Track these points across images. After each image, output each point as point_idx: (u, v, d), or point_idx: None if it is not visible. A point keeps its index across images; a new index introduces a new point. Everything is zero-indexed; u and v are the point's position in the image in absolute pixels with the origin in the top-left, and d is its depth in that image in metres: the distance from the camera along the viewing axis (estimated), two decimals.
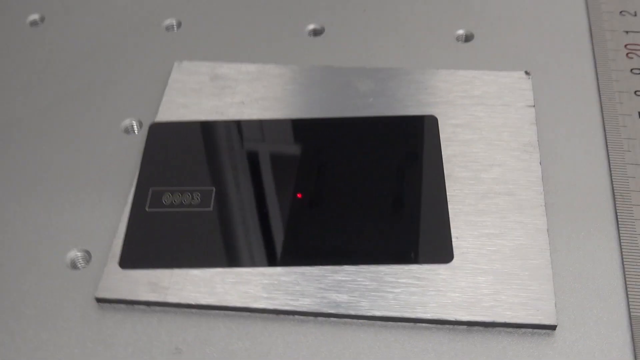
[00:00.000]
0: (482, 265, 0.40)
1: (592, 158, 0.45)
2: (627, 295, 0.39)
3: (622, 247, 0.41)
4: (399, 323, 0.39)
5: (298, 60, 0.52)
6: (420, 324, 0.39)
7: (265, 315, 0.39)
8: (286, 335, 0.39)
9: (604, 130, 0.46)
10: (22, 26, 0.57)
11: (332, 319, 0.39)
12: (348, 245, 0.41)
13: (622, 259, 0.41)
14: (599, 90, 0.49)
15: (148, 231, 0.43)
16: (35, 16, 0.58)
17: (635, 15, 0.53)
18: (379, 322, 0.39)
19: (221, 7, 0.57)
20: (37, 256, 0.43)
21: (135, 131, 0.49)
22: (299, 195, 0.44)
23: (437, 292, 0.39)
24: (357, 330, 0.39)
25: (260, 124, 0.48)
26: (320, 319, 0.39)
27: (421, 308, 0.39)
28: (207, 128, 0.48)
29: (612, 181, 0.44)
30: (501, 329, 0.38)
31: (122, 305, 0.40)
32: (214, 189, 0.44)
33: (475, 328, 0.38)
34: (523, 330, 0.38)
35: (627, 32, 0.52)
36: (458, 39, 0.53)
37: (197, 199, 0.44)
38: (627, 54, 0.50)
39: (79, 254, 0.43)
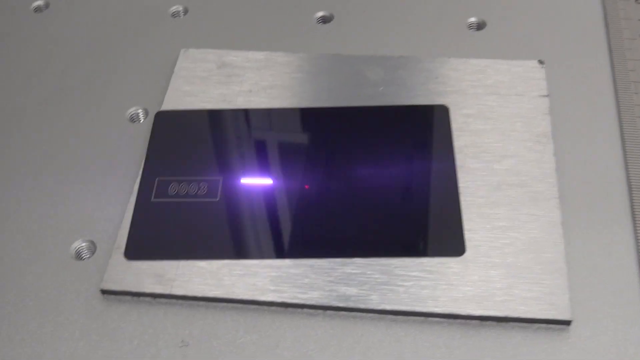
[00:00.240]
0: (494, 258, 0.39)
1: (607, 149, 0.44)
2: None
3: (638, 240, 0.40)
4: (410, 317, 0.38)
5: (307, 48, 0.52)
6: (432, 319, 0.38)
7: (273, 308, 0.39)
8: (294, 328, 0.38)
9: (620, 121, 0.45)
10: (26, 12, 0.57)
11: (342, 312, 0.38)
12: (357, 238, 0.41)
13: (638, 252, 0.40)
14: (614, 80, 0.48)
15: (154, 222, 0.42)
16: (39, 2, 0.57)
17: None
18: (389, 316, 0.38)
19: None
20: (40, 247, 0.42)
21: (141, 120, 0.48)
22: (306, 187, 0.43)
23: (448, 285, 0.38)
24: (367, 324, 0.38)
25: (268, 113, 0.47)
26: (329, 312, 0.39)
27: (432, 302, 0.38)
28: (214, 117, 0.47)
29: (627, 173, 0.43)
30: (514, 324, 0.37)
31: (128, 297, 0.40)
32: (221, 179, 0.44)
33: (488, 323, 0.38)
34: (537, 325, 0.37)
35: None
36: (470, 26, 0.52)
37: (204, 189, 0.43)
38: None
39: (83, 244, 0.42)
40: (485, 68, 0.48)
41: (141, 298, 0.40)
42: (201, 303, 0.39)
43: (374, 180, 0.43)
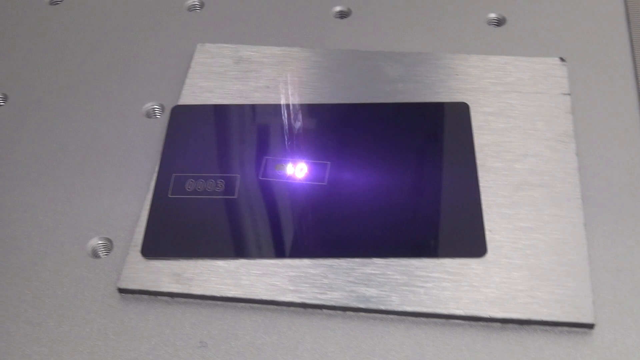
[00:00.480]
0: (516, 260, 0.39)
1: (630, 148, 0.44)
2: None
3: None
4: (431, 319, 0.38)
5: (324, 44, 0.51)
6: (453, 321, 0.38)
7: (292, 308, 0.38)
8: (314, 329, 0.38)
9: None
10: (43, 5, 0.56)
11: (362, 313, 0.38)
12: (377, 237, 0.40)
13: None
14: (637, 78, 0.47)
15: (171, 219, 0.42)
16: None
17: None
18: (409, 318, 0.38)
19: None
20: (57, 244, 0.42)
21: (157, 115, 0.48)
22: (325, 184, 0.42)
23: (470, 287, 0.38)
24: (387, 326, 0.38)
25: (286, 109, 0.46)
26: (349, 313, 0.38)
27: (454, 304, 0.37)
28: (231, 112, 0.47)
29: None
30: (537, 326, 0.37)
31: (145, 296, 0.39)
32: (239, 176, 0.43)
33: (510, 325, 0.37)
34: (559, 328, 0.37)
35: None
36: (490, 22, 0.52)
37: (222, 185, 0.43)
38: None
39: (100, 242, 0.42)
40: (505, 65, 0.48)
41: (159, 297, 0.39)
42: (219, 303, 0.39)
43: (394, 179, 0.42)
